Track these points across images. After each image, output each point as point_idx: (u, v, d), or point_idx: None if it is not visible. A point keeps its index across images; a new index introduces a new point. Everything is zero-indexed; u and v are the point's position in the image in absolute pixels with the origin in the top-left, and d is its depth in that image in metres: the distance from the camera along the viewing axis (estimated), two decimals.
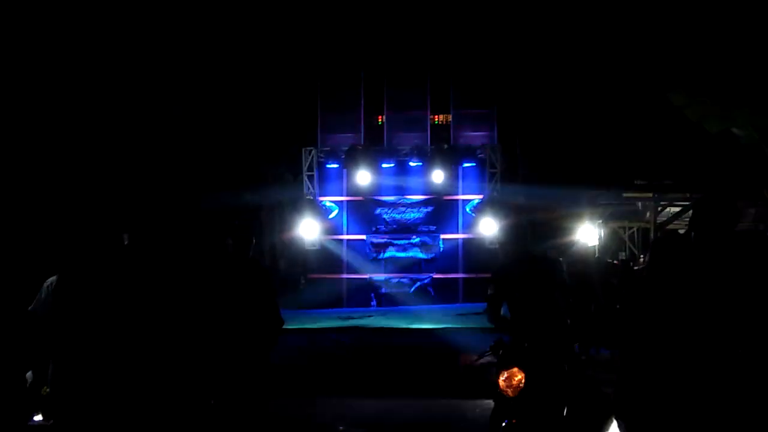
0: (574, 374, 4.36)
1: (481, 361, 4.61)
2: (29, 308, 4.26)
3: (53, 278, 4.14)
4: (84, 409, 3.77)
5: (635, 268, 11.53)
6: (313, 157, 16.25)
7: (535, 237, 4.82)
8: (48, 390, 4.45)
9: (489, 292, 4.73)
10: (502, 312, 4.70)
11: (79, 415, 3.79)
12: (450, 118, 16.48)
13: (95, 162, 11.40)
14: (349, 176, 16.23)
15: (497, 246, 5.09)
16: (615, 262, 12.82)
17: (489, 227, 14.76)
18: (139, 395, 3.86)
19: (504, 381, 4.17)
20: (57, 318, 3.87)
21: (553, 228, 14.57)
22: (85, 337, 3.80)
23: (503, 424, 4.22)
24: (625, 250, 17.06)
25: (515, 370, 4.15)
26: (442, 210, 16.40)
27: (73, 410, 3.79)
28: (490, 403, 4.54)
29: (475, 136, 16.24)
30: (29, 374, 4.96)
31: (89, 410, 3.77)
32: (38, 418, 4.93)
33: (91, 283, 3.87)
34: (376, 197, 16.45)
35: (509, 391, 4.14)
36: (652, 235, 14.87)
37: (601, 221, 16.31)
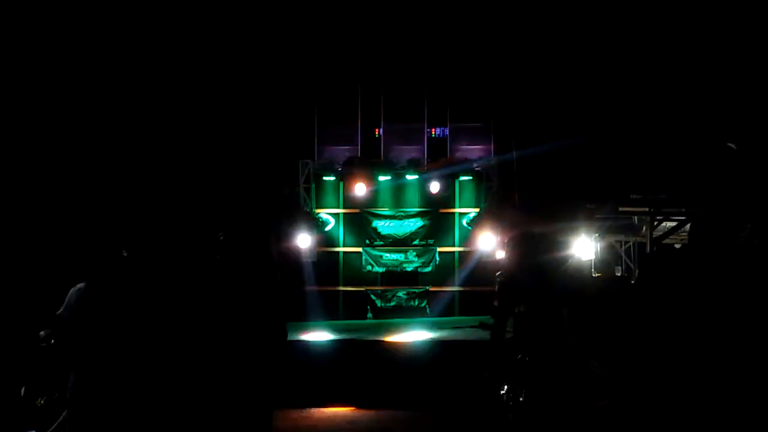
0: (573, 391, 4.34)
1: (483, 374, 4.59)
2: (57, 312, 4.23)
3: (82, 284, 4.10)
4: (104, 414, 3.77)
5: (632, 282, 11.53)
6: (309, 169, 16.26)
7: (544, 249, 4.79)
8: (42, 402, 4.42)
9: (495, 303, 4.69)
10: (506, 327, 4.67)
11: (99, 420, 3.78)
12: (447, 131, 16.52)
13: (90, 169, 11.38)
14: (346, 189, 16.25)
15: (505, 257, 5.03)
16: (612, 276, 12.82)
17: (486, 241, 14.77)
18: (155, 402, 3.87)
19: (505, 394, 4.16)
20: (84, 326, 3.86)
21: (550, 242, 14.54)
22: (110, 346, 3.80)
23: None
24: (621, 265, 17.06)
25: (518, 384, 4.13)
26: (438, 223, 16.41)
27: (93, 415, 3.78)
28: (487, 416, 4.52)
29: (472, 150, 16.29)
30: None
31: (110, 416, 3.77)
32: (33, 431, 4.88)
33: (114, 293, 3.88)
34: (373, 210, 16.45)
35: (510, 406, 4.13)
36: (648, 249, 14.88)
37: (597, 235, 16.31)
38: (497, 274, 13.39)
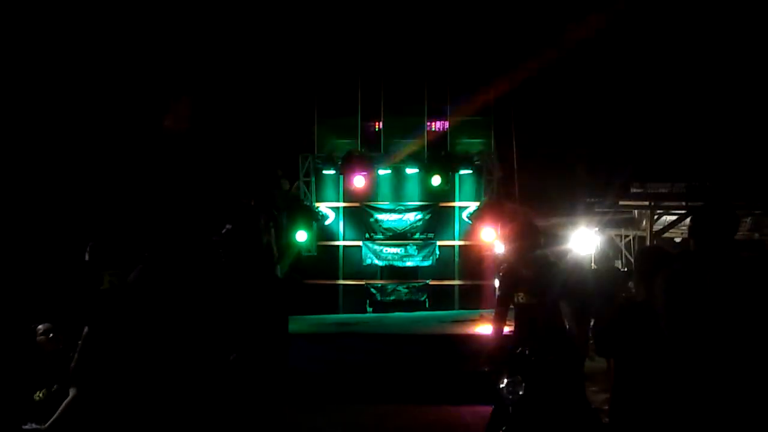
0: (573, 387, 4.33)
1: (483, 367, 4.58)
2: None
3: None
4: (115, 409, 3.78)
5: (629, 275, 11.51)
6: (309, 163, 16.23)
7: (543, 240, 4.77)
8: (41, 395, 4.42)
9: (497, 294, 4.71)
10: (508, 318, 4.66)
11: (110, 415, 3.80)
12: (447, 125, 16.49)
13: (85, 166, 11.35)
14: (346, 182, 16.22)
15: (505, 248, 5.02)
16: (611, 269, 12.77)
17: (488, 234, 14.76)
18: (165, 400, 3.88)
19: (505, 387, 4.14)
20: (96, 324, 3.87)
21: (549, 234, 14.54)
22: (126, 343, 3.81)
23: (502, 429, 4.20)
24: (621, 259, 17.06)
25: (517, 377, 4.12)
26: (438, 217, 16.38)
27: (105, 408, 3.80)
28: (487, 409, 4.51)
29: (472, 143, 16.25)
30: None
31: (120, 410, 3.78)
32: (32, 424, 4.88)
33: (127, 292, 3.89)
34: (373, 203, 16.43)
35: (509, 398, 4.12)
36: (648, 243, 14.88)
37: (597, 229, 16.31)
38: (500, 268, 13.41)
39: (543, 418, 4.11)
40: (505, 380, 4.15)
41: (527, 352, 4.23)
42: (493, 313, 4.74)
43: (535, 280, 4.45)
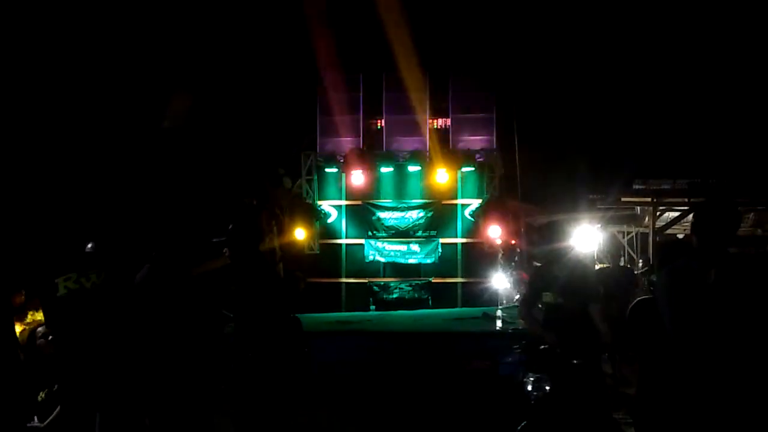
0: (596, 387, 4.31)
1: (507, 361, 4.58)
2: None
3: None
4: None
5: (635, 272, 11.50)
6: (311, 161, 16.23)
7: (563, 237, 4.73)
8: (43, 395, 4.43)
9: (520, 295, 4.70)
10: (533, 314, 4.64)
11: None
12: (449, 122, 16.47)
13: (87, 166, 11.35)
14: (348, 180, 16.22)
15: (526, 247, 5.02)
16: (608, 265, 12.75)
17: (492, 231, 14.74)
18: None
19: (530, 383, 4.16)
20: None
21: (552, 232, 14.47)
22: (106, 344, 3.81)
23: (522, 424, 4.22)
24: (624, 255, 17.02)
25: (543, 374, 4.13)
26: (441, 214, 16.38)
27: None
28: (495, 407, 4.51)
29: (475, 141, 16.23)
30: None
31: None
32: (35, 422, 4.90)
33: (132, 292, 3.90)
34: (375, 201, 16.43)
35: (534, 394, 4.14)
36: (650, 239, 14.83)
37: (599, 226, 16.27)
38: (512, 264, 13.37)
39: (564, 416, 4.11)
40: (531, 376, 4.17)
41: (558, 351, 4.22)
42: (523, 314, 4.71)
43: (565, 280, 4.42)
